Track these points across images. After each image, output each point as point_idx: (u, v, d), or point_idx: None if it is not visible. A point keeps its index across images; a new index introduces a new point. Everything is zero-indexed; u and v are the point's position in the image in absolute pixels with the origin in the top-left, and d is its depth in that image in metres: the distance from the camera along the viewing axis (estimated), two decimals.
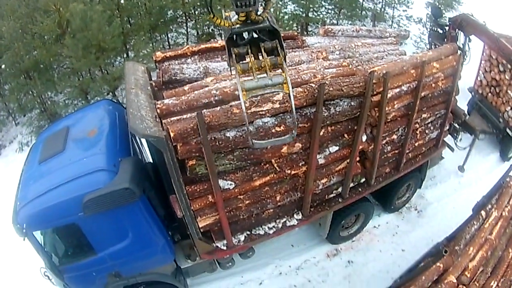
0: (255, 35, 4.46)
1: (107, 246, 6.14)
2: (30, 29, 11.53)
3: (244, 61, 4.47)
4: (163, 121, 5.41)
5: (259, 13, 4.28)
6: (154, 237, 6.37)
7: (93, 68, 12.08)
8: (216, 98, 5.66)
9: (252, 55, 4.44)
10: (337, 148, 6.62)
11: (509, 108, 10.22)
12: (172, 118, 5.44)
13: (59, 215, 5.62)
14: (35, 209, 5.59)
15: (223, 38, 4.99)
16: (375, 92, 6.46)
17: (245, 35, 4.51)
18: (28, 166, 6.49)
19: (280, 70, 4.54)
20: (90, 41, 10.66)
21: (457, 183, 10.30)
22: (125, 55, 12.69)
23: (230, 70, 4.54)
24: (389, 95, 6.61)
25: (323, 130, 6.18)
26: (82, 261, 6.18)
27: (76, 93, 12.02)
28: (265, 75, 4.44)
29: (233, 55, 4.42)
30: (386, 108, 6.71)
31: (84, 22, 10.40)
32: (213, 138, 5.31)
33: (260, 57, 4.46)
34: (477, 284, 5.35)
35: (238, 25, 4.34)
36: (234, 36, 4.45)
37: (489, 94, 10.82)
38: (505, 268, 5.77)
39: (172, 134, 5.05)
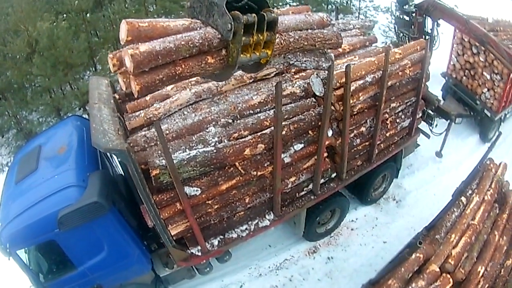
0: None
1: (86, 260, 6.28)
2: (1, 51, 11.58)
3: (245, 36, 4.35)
4: None
5: None
6: (128, 248, 6.45)
7: (63, 84, 12.20)
8: None
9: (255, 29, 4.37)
10: (302, 145, 6.61)
11: (485, 89, 10.32)
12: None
13: (38, 232, 5.78)
14: (15, 229, 5.74)
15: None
16: (337, 85, 6.43)
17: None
18: (6, 187, 6.65)
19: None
20: (58, 59, 10.79)
21: (436, 170, 10.31)
22: (93, 69, 12.67)
23: (231, 34, 4.23)
24: (352, 87, 6.54)
25: (285, 129, 6.16)
26: (65, 277, 6.29)
27: (49, 111, 12.14)
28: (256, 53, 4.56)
29: (241, 21, 4.19)
30: (351, 101, 6.61)
31: (51, 40, 10.55)
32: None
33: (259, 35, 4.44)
34: (463, 271, 5.27)
35: None
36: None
37: (464, 77, 10.89)
38: (493, 251, 5.69)
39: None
